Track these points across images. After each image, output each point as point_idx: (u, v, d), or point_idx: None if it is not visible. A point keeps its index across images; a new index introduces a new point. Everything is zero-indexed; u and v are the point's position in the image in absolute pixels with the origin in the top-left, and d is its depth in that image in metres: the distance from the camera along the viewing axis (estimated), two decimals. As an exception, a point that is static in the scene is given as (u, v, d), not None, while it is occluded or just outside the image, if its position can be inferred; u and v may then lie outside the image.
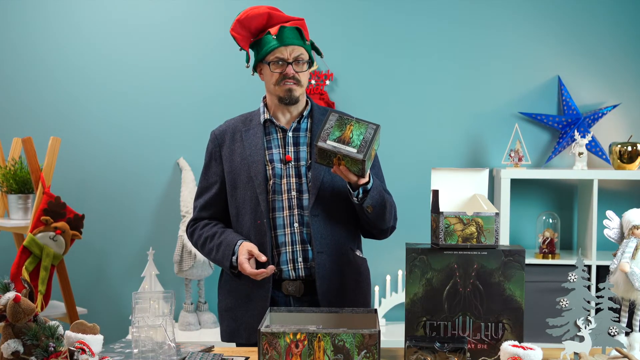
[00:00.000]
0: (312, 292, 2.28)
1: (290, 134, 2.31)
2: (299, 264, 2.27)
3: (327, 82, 3.66)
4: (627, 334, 1.96)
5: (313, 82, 3.64)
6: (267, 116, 2.32)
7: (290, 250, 2.26)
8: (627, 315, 1.99)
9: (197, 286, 3.64)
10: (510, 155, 3.54)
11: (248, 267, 2.17)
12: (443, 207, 2.04)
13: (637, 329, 1.98)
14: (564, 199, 3.71)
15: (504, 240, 3.42)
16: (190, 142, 3.71)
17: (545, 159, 3.69)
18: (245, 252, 2.19)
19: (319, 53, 2.34)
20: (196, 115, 3.72)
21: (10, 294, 1.78)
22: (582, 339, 1.89)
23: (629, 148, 3.45)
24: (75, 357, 1.78)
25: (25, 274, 2.94)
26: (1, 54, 3.74)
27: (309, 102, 2.36)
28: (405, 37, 3.71)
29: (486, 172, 2.14)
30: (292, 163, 2.28)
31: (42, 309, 3.01)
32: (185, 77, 3.72)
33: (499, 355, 1.84)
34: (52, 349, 1.73)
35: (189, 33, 3.72)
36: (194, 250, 3.43)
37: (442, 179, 2.11)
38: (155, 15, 3.72)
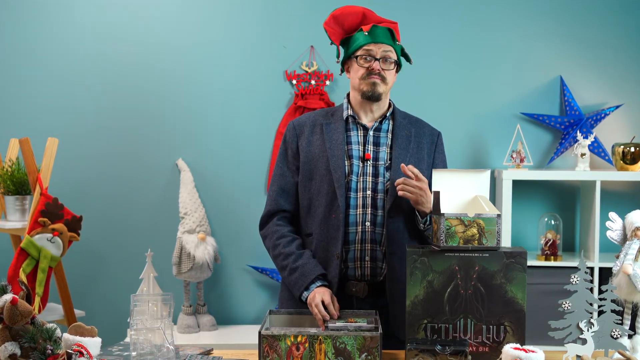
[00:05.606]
0: (376, 294, 2.27)
1: (371, 132, 2.33)
2: (366, 262, 2.26)
3: (327, 82, 3.65)
4: (629, 336, 1.96)
5: (313, 82, 3.63)
6: (350, 112, 2.35)
7: (359, 248, 2.26)
8: (629, 317, 1.98)
9: (196, 288, 3.62)
10: (512, 156, 3.52)
11: (322, 310, 2.13)
12: (444, 209, 2.03)
13: (641, 331, 1.97)
14: (566, 200, 3.69)
15: (506, 242, 3.40)
16: (189, 143, 3.69)
17: (547, 160, 3.67)
18: (320, 299, 2.15)
19: (408, 60, 2.39)
20: (195, 116, 3.70)
21: (7, 296, 1.77)
22: (584, 341, 1.88)
23: (632, 149, 3.43)
24: (72, 360, 1.77)
25: (22, 276, 2.92)
26: None
27: (392, 104, 2.39)
28: (406, 37, 3.66)
29: (488, 173, 2.12)
30: (371, 162, 2.29)
31: (39, 311, 2.99)
32: (184, 78, 3.71)
33: (501, 358, 1.82)
34: (50, 351, 1.72)
35: (188, 34, 3.70)
36: (192, 252, 3.41)
37: (444, 180, 2.10)
38: (154, 16, 3.70)
